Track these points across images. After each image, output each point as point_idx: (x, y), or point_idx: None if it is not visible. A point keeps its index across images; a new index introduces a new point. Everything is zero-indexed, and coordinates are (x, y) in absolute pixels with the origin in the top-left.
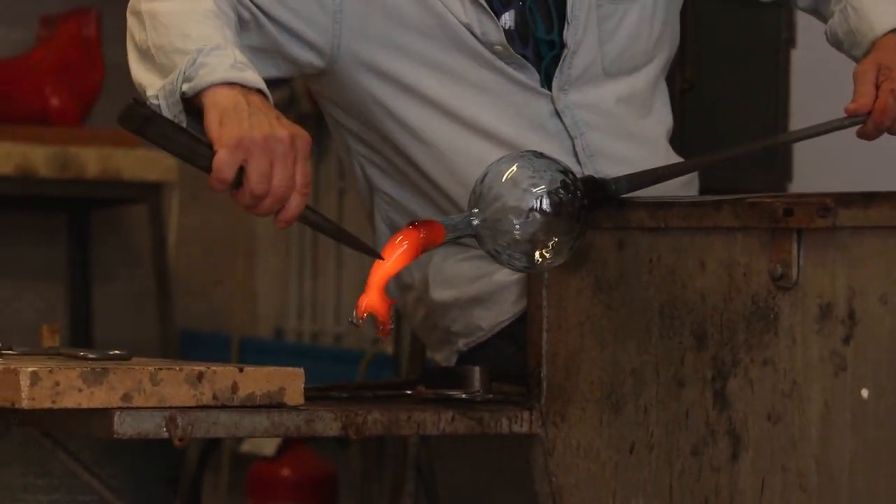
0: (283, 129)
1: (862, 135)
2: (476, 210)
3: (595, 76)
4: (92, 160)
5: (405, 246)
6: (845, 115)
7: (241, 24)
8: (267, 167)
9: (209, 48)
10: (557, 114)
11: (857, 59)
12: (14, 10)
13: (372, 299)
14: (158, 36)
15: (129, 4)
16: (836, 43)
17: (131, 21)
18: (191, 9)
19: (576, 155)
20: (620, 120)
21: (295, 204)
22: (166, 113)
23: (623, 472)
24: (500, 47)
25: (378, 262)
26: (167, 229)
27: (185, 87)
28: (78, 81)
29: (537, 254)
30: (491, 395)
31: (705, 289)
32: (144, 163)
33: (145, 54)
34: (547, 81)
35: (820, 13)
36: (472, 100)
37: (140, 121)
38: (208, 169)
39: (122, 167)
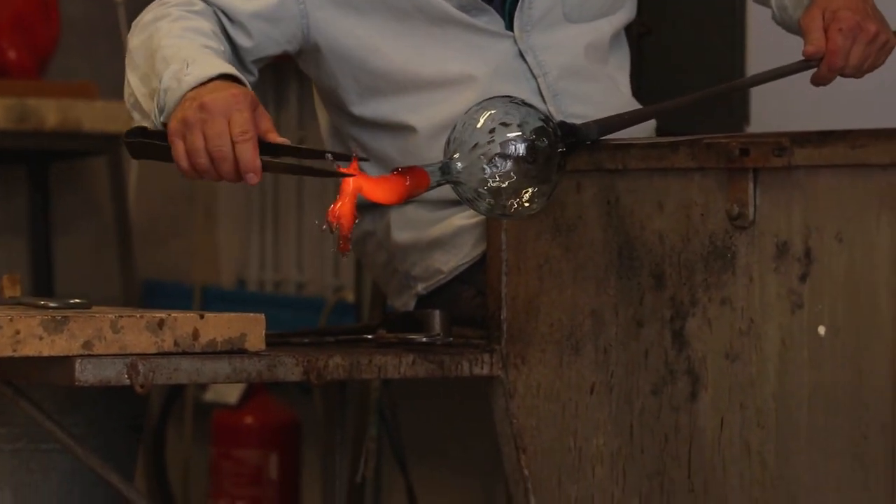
0: (217, 97)
1: (816, 80)
2: (457, 155)
3: (556, 20)
4: (51, 112)
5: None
6: (803, 58)
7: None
8: (199, 140)
9: (168, 74)
10: (521, 55)
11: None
12: None
13: (344, 207)
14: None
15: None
16: (782, 13)
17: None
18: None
19: (540, 94)
20: (581, 61)
21: (241, 153)
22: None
23: (584, 413)
24: None
25: (356, 176)
26: (127, 180)
27: (163, 118)
28: (34, 34)
29: (517, 200)
30: (451, 339)
31: (663, 229)
32: (104, 114)
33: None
34: (511, 24)
35: None
36: (437, 54)
37: (139, 148)
38: None
39: (82, 119)
